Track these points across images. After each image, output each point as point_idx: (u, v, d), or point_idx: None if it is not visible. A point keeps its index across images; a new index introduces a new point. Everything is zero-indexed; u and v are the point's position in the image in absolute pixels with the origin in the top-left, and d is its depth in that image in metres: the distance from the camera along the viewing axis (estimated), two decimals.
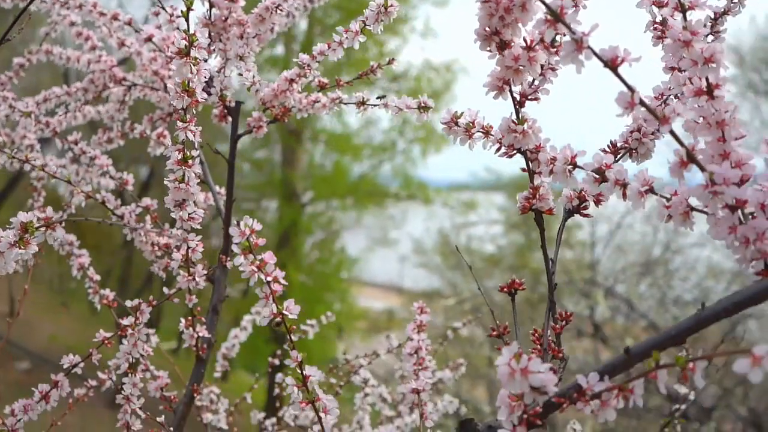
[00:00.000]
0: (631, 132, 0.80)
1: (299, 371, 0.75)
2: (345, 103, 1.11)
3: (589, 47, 0.58)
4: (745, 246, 0.59)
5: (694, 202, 0.64)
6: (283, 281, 0.73)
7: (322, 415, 0.75)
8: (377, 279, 13.35)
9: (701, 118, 0.64)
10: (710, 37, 0.85)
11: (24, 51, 1.43)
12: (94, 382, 1.27)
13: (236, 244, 0.71)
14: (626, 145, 0.80)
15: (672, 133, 0.59)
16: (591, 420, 6.39)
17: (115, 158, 1.34)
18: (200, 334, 1.09)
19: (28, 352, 7.97)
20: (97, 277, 1.20)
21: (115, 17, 1.19)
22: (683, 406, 1.23)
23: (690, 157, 0.60)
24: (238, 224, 0.71)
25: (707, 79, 0.62)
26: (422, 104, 0.99)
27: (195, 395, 1.13)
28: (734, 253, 0.60)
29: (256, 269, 0.72)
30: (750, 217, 0.61)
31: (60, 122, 1.43)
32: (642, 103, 0.58)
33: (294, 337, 0.76)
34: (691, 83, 0.64)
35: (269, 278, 0.72)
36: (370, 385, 1.49)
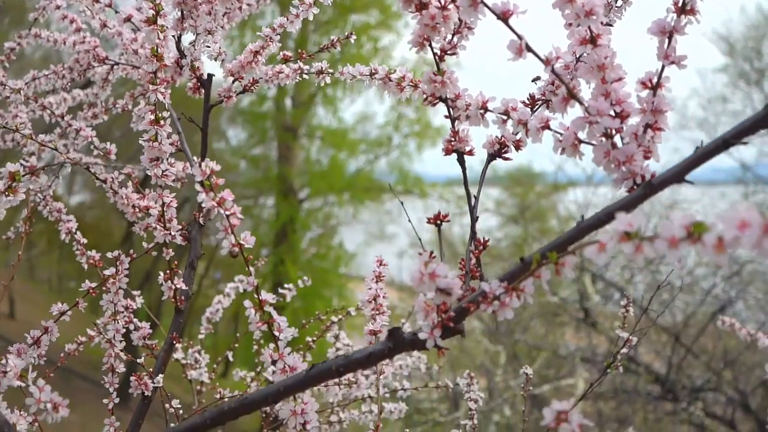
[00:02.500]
0: (547, 85, 0.91)
1: (256, 296, 0.86)
2: (306, 73, 1.22)
3: (482, 2, 0.69)
4: (617, 168, 0.70)
5: (582, 136, 0.75)
6: (240, 215, 0.83)
7: (276, 333, 0.86)
8: None
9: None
10: (619, 2, 0.95)
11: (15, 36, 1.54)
12: (83, 338, 1.37)
13: (198, 182, 0.82)
14: (543, 97, 0.91)
15: (554, 73, 0.69)
16: (582, 404, 6.51)
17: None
18: (178, 287, 1.20)
19: None
20: (84, 241, 1.30)
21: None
22: (624, 350, 1.33)
23: (570, 94, 0.70)
24: (200, 164, 0.82)
25: (590, 29, 0.73)
26: (373, 71, 1.09)
27: (174, 343, 1.24)
28: (609, 174, 0.71)
29: (216, 204, 0.83)
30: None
31: (51, 104, 1.54)
32: (528, 48, 0.69)
33: (252, 269, 0.87)
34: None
35: (228, 212, 0.83)
36: (342, 343, 1.60)
